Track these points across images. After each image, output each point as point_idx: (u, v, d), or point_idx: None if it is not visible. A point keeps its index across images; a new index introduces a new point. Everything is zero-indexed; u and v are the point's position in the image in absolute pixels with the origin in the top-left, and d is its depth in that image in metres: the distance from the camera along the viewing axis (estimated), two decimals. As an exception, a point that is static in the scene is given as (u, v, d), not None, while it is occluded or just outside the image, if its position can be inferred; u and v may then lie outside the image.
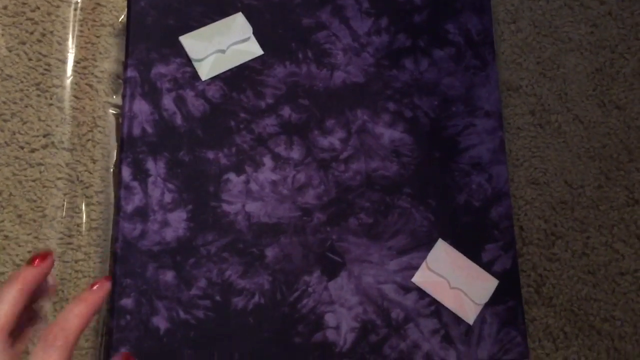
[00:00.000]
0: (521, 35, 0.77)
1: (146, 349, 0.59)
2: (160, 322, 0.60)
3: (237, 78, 0.68)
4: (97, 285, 0.49)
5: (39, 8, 0.72)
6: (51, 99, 0.70)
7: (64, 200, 0.68)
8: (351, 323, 0.63)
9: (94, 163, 0.69)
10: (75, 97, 0.71)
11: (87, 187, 0.69)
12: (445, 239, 0.67)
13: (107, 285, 0.50)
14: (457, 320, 0.65)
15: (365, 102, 0.69)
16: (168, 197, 0.63)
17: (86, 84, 0.71)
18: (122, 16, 0.74)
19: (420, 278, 0.66)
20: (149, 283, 0.61)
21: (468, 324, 0.65)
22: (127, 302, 0.60)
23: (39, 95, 0.70)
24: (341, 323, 0.63)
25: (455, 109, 0.71)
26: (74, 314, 0.45)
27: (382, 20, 0.72)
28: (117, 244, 0.61)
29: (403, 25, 0.72)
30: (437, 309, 0.65)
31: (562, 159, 0.74)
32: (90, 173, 0.69)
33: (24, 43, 0.71)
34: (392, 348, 0.63)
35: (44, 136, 0.69)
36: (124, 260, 0.61)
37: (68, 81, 0.71)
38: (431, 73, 0.72)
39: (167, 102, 0.66)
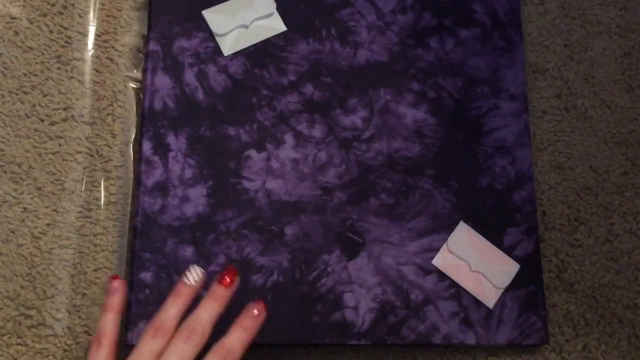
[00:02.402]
0: (549, 17, 0.75)
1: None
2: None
3: (259, 54, 0.67)
4: (255, 311, 0.54)
5: (60, -20, 0.71)
6: (72, 72, 0.70)
7: (83, 174, 0.68)
8: (370, 303, 0.62)
9: (114, 137, 0.69)
10: (96, 70, 0.70)
11: (106, 162, 0.68)
12: (466, 222, 0.66)
13: (264, 315, 0.55)
14: (477, 303, 0.64)
15: (388, 82, 0.68)
16: (188, 173, 0.63)
17: (107, 58, 0.71)
18: (144, -11, 0.73)
19: (440, 260, 0.65)
20: (168, 258, 0.60)
21: (488, 308, 0.64)
22: (146, 276, 0.60)
23: (59, 68, 0.70)
24: (360, 303, 0.62)
25: (480, 91, 0.70)
26: (237, 339, 0.52)
27: (407, -1, 0.71)
28: (137, 218, 0.61)
29: (429, 4, 0.71)
30: (457, 292, 0.64)
31: (587, 144, 0.73)
32: (110, 147, 0.69)
33: (45, 15, 0.71)
34: (411, 329, 0.62)
35: (64, 109, 0.69)
36: (143, 235, 0.60)
37: (89, 54, 0.70)
38: (457, 53, 0.70)
39: (189, 76, 0.65)
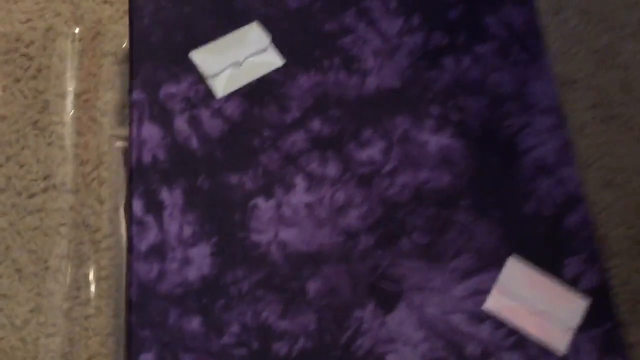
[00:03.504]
0: (569, 25, 0.69)
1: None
2: (188, 381, 0.49)
3: (257, 92, 0.60)
4: None
5: (33, 42, 0.65)
6: (50, 137, 0.62)
7: (68, 249, 0.59)
8: (419, 364, 0.52)
9: (101, 204, 0.60)
10: (78, 132, 0.63)
11: (94, 232, 0.60)
12: (516, 256, 0.56)
13: None
14: (545, 352, 0.53)
15: (404, 108, 0.61)
16: (188, 231, 0.54)
17: (89, 118, 0.64)
18: (125, 43, 0.67)
19: (493, 304, 0.55)
20: (172, 333, 0.50)
21: (558, 356, 0.53)
22: (148, 357, 0.49)
23: (36, 135, 0.63)
24: (406, 365, 0.52)
25: (508, 108, 0.62)
26: None
27: (413, 19, 0.65)
28: (132, 290, 0.51)
29: (437, 23, 0.65)
30: (519, 340, 0.54)
31: (636, 155, 0.64)
32: (97, 215, 0.60)
33: (18, 80, 0.64)
34: (472, 391, 0.51)
35: (44, 179, 0.61)
36: (140, 308, 0.51)
37: (69, 117, 0.63)
38: (475, 71, 0.63)
39: (180, 124, 0.57)
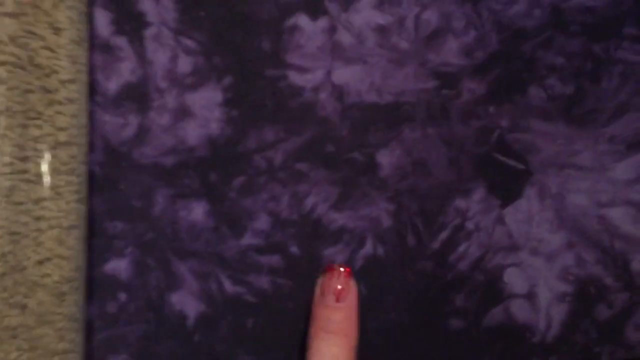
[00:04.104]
0: None
1: (163, 356, 0.29)
2: (188, 304, 0.30)
3: None
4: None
5: None
6: None
7: (8, 100, 0.39)
8: (556, 285, 0.32)
9: (58, 34, 0.39)
10: None
11: (47, 75, 0.39)
12: None
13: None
14: None
15: None
16: (186, 64, 0.33)
17: None
18: None
19: (675, 192, 0.34)
20: (160, 227, 0.31)
21: None
22: (119, 266, 0.30)
23: None
24: (537, 287, 0.32)
25: None
26: None
27: None
28: (94, 156, 0.32)
29: None
30: None
31: None
32: (53, 51, 0.39)
33: None
34: (641, 329, 0.32)
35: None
36: (108, 186, 0.31)
37: None
38: None
39: None
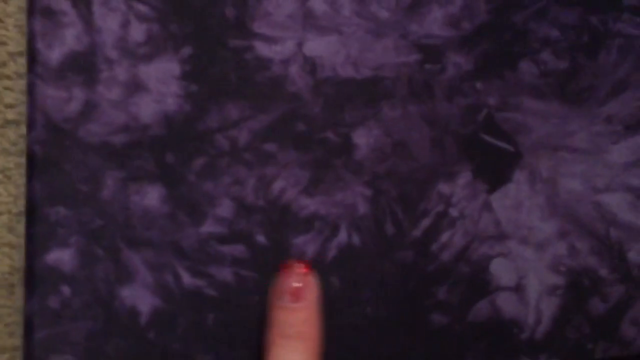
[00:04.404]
0: None
1: (113, 356, 0.26)
2: (141, 298, 0.27)
3: None
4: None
5: None
6: None
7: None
8: (547, 277, 0.30)
9: (5, 2, 0.36)
10: None
11: (-7, 45, 0.36)
12: None
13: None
14: None
15: None
16: (139, 31, 0.29)
17: None
18: None
19: (675, 177, 0.31)
20: (109, 213, 0.28)
21: None
22: (63, 256, 0.27)
23: None
24: (526, 279, 0.29)
25: None
26: None
27: None
28: (34, 135, 0.28)
29: None
30: None
31: None
32: (0, 21, 0.36)
33: None
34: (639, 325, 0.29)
35: None
36: (50, 166, 0.28)
37: None
38: None
39: None
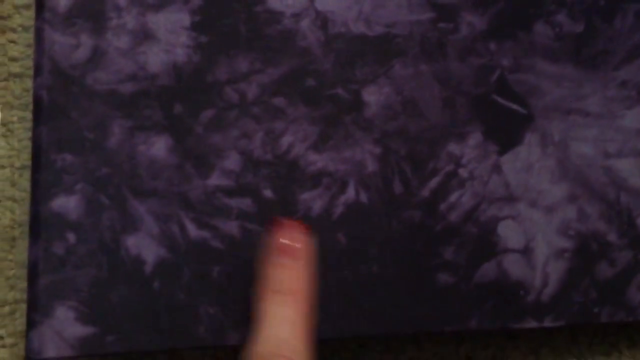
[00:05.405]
0: None
1: (118, 307, 0.26)
2: (146, 248, 0.27)
3: None
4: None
5: None
6: None
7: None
8: (555, 240, 0.29)
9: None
10: None
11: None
12: None
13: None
14: None
15: None
16: (150, -18, 0.29)
17: None
18: None
19: (688, 144, 0.31)
20: (115, 161, 0.27)
21: None
22: (68, 203, 0.27)
23: None
24: (534, 241, 0.29)
25: None
26: None
27: None
28: (41, 81, 0.28)
29: None
30: None
31: None
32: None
33: None
34: (646, 291, 0.29)
35: None
36: (56, 112, 0.28)
37: None
38: None
39: None
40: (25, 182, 0.34)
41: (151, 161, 0.27)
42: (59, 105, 0.27)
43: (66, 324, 0.25)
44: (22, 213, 0.33)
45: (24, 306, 0.32)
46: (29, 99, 0.36)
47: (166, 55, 0.28)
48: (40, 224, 0.26)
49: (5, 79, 0.36)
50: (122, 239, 0.26)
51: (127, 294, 0.26)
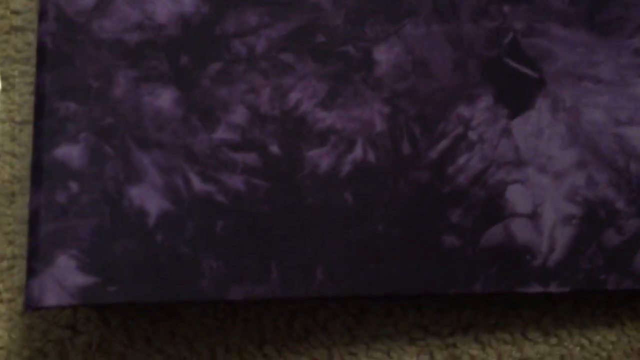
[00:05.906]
0: None
1: (120, 257, 0.26)
2: (150, 199, 0.27)
3: None
4: None
5: None
6: None
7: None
8: (563, 206, 0.29)
9: None
10: None
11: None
12: None
13: None
14: None
15: None
16: None
17: None
18: None
19: (700, 115, 0.31)
20: (120, 111, 0.27)
21: None
22: (72, 152, 0.27)
23: None
24: (542, 206, 0.29)
25: None
26: None
27: None
28: (45, 26, 0.27)
29: None
30: None
31: None
32: None
33: None
34: (653, 259, 0.29)
35: None
36: (60, 59, 0.27)
37: None
38: None
39: None
40: (25, 137, 0.34)
41: (156, 112, 0.27)
42: (63, 53, 0.27)
43: (67, 272, 0.25)
44: (21, 168, 0.33)
45: (22, 262, 0.32)
46: (30, 52, 0.35)
47: (174, 5, 0.28)
48: (42, 172, 0.26)
49: (7, 32, 0.35)
50: (125, 189, 0.26)
51: (129, 245, 0.26)
